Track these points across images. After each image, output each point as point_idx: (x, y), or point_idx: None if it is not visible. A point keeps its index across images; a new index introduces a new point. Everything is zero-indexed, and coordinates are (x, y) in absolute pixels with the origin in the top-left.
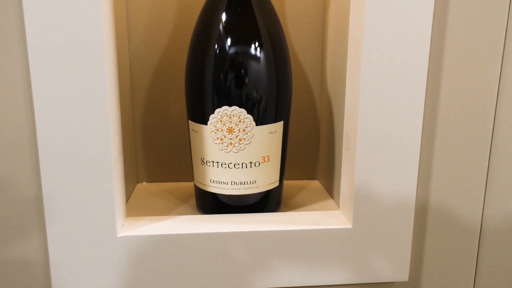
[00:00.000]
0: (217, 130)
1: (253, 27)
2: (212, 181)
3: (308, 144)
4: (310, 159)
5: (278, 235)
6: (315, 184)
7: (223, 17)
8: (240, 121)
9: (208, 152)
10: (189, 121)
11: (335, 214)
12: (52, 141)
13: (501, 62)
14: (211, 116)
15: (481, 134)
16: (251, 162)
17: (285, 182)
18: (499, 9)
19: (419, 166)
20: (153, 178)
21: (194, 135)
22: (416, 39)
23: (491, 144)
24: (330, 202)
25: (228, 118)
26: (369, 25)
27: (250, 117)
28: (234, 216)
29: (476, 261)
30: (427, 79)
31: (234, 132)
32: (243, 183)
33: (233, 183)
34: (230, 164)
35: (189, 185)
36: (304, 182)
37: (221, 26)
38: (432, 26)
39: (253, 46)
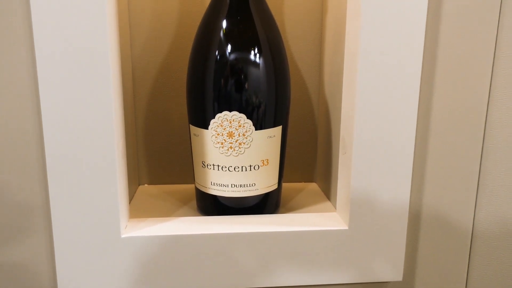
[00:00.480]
0: (218, 134)
1: (253, 34)
2: (212, 183)
3: (306, 148)
4: (308, 163)
5: (277, 236)
6: (313, 186)
7: (224, 24)
8: (240, 126)
9: (209, 156)
10: (191, 126)
11: (332, 216)
12: (58, 146)
13: (491, 73)
14: (212, 121)
15: (473, 139)
16: (250, 166)
17: (284, 184)
18: (489, 20)
19: (412, 170)
20: (154, 180)
21: (195, 139)
22: (410, 48)
23: (482, 149)
24: (327, 204)
25: (229, 122)
26: (365, 34)
27: (249, 122)
28: (234, 218)
29: (468, 262)
30: (420, 87)
31: (234, 136)
32: (243, 185)
33: (233, 185)
34: (230, 167)
35: (189, 187)
36: (302, 184)
37: (221, 34)
38: (425, 35)
39: (252, 53)
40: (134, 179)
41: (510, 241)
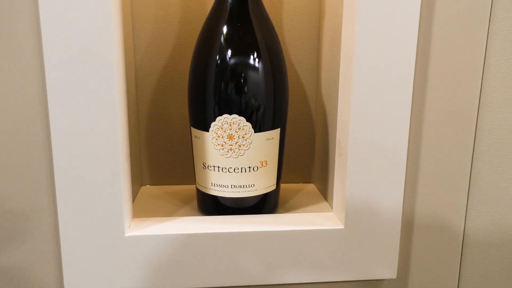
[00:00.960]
0: (218, 136)
1: (252, 40)
2: (213, 184)
3: (303, 150)
4: (305, 164)
5: (275, 235)
6: (311, 187)
7: (224, 30)
8: (239, 128)
9: (209, 157)
10: (192, 128)
11: (329, 216)
12: (65, 149)
13: (481, 79)
14: (213, 124)
15: (464, 142)
16: (250, 167)
17: (282, 185)
18: (479, 28)
19: (406, 171)
20: (156, 181)
21: (196, 141)
22: (403, 54)
23: (473, 151)
24: (324, 204)
25: (229, 125)
26: (359, 41)
27: (249, 124)
28: (234, 218)
29: (460, 259)
30: (413, 91)
31: (234, 138)
32: (242, 186)
33: (233, 186)
34: (230, 169)
35: (190, 188)
36: (300, 185)
37: (222, 39)
38: (418, 42)
39: (252, 58)
40: (137, 180)
41: (500, 241)
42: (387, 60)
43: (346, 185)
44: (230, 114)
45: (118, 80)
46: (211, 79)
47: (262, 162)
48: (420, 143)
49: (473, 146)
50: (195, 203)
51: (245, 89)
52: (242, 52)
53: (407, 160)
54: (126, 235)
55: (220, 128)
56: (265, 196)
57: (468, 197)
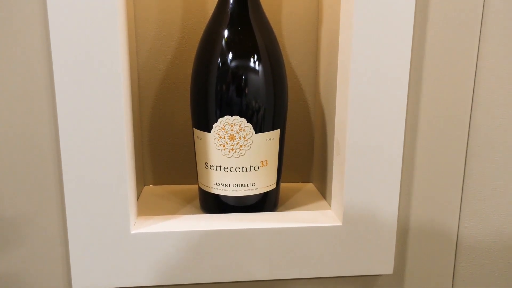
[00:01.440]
0: (220, 137)
1: (252, 43)
2: (215, 183)
3: (303, 150)
4: (305, 164)
5: (275, 232)
6: (310, 186)
7: (225, 34)
8: (240, 129)
9: (211, 157)
10: (194, 129)
11: (327, 213)
12: (73, 151)
13: (473, 86)
14: (215, 125)
15: (457, 143)
16: (250, 166)
17: (282, 184)
18: (471, 34)
19: (401, 170)
20: (159, 181)
21: (198, 141)
22: (398, 58)
23: (466, 152)
24: (323, 202)
25: (230, 126)
26: (356, 45)
27: (249, 125)
28: (235, 215)
29: (455, 254)
30: (408, 94)
31: (235, 139)
32: (243, 185)
33: (234, 185)
34: (231, 168)
35: (192, 187)
36: (300, 184)
37: (223, 43)
38: (412, 47)
39: (252, 61)
40: (140, 180)
41: (492, 239)
42: (382, 63)
43: (344, 184)
44: (232, 116)
45: (124, 85)
46: (213, 81)
47: (262, 161)
48: (415, 142)
49: (467, 144)
50: (197, 202)
51: (246, 91)
52: (243, 55)
53: (402, 159)
54: (132, 232)
55: (222, 129)
56: (265, 195)
57: (462, 195)
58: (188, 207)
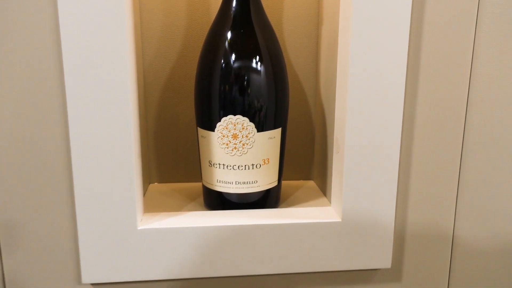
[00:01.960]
0: (223, 136)
1: (255, 45)
2: (218, 181)
3: (304, 148)
4: (305, 162)
5: (277, 228)
6: (311, 184)
7: (228, 36)
8: (243, 128)
9: (215, 156)
10: (198, 128)
11: (327, 210)
12: (83, 150)
13: (467, 92)
14: (218, 124)
15: (453, 140)
16: (253, 164)
17: (283, 182)
18: (465, 35)
19: (399, 166)
20: (164, 179)
21: (202, 140)
22: (395, 59)
23: (462, 149)
24: (323, 199)
25: (233, 125)
26: (354, 47)
27: (252, 124)
28: (238, 212)
29: (451, 248)
30: (405, 93)
31: (238, 138)
32: (246, 182)
33: (237, 182)
34: (234, 166)
35: (196, 185)
36: (301, 182)
37: (226, 44)
38: (409, 48)
39: (254, 61)
40: (145, 178)
41: (487, 235)
42: (380, 64)
43: (343, 180)
44: (235, 115)
45: (131, 88)
46: (216, 82)
47: (264, 160)
48: (412, 140)
49: (463, 139)
50: (201, 199)
51: (248, 91)
52: (245, 56)
53: (399, 156)
54: (139, 228)
55: (225, 128)
56: (267, 192)
57: (457, 191)
58: (192, 204)
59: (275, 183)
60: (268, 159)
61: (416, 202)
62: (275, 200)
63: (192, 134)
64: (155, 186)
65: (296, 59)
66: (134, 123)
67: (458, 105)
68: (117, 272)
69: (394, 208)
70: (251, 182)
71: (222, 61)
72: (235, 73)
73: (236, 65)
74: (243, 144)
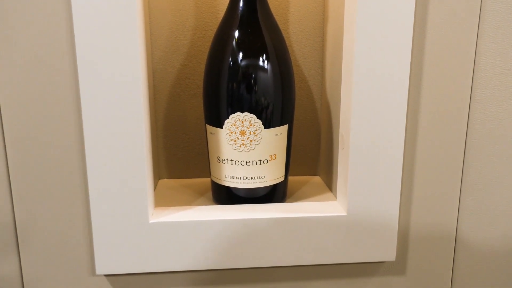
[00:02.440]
0: (231, 132)
1: (261, 43)
2: (227, 176)
3: (310, 144)
4: (311, 158)
5: (284, 222)
6: (317, 179)
7: (236, 35)
8: (251, 125)
9: (223, 152)
10: (207, 125)
11: (333, 204)
12: (97, 148)
13: (470, 90)
14: (226, 121)
15: (456, 136)
16: (260, 160)
17: (290, 177)
18: (469, 33)
19: (403, 162)
20: (173, 174)
21: (211, 137)
22: (399, 57)
23: (465, 144)
24: (329, 194)
25: (241, 122)
26: (359, 45)
27: (259, 121)
28: (246, 206)
29: (455, 244)
30: (409, 91)
31: (246, 134)
32: (253, 178)
33: (245, 178)
34: (242, 162)
35: (205, 180)
36: (307, 177)
37: (234, 43)
38: (412, 46)
39: (261, 59)
40: (155, 174)
41: (488, 232)
42: (384, 62)
43: (348, 175)
44: (242, 112)
45: (142, 88)
46: (224, 79)
47: (271, 155)
48: (416, 136)
49: (466, 134)
50: (209, 194)
51: (256, 88)
52: (252, 54)
53: (404, 151)
54: (150, 221)
55: (233, 125)
56: (274, 187)
57: (461, 186)
58: (201, 199)
59: (282, 178)
60: (275, 155)
61: (420, 197)
62: (282, 195)
63: (200, 131)
64: (164, 182)
65: (302, 57)
66: (145, 122)
67: (461, 103)
68: (129, 264)
69: (398, 202)
70: (258, 177)
71: (230, 59)
72: (243, 72)
73: (243, 63)
74: (251, 141)
